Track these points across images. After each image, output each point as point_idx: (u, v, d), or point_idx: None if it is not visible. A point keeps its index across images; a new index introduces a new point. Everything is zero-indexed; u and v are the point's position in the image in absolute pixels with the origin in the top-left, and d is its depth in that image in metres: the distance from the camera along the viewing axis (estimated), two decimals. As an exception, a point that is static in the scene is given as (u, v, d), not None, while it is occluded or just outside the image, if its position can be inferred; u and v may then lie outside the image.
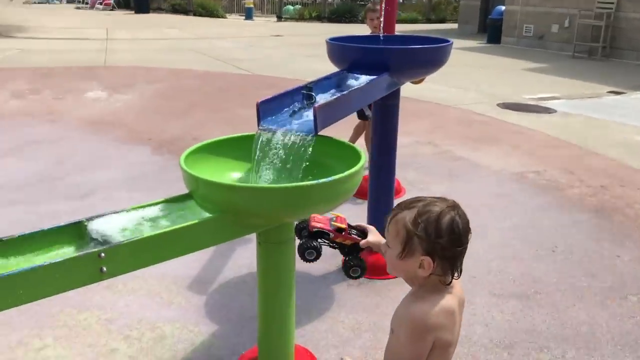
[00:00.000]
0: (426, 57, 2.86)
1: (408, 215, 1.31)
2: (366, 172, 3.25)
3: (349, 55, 2.82)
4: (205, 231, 1.79)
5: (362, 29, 4.94)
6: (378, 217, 2.81)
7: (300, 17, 22.35)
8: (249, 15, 22.62)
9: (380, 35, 3.26)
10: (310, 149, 1.96)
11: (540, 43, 14.06)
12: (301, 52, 12.32)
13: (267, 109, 2.13)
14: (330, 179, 1.77)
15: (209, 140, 2.13)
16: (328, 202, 1.86)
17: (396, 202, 1.56)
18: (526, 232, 3.75)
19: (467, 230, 1.32)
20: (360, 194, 3.30)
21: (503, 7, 15.16)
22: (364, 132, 4.70)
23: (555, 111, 7.31)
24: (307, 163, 1.95)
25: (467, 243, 1.33)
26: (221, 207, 1.80)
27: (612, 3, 12.21)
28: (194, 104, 7.17)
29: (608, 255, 3.44)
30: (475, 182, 4.66)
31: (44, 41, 13.31)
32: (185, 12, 23.12)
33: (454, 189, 4.48)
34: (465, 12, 18.45)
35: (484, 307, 2.87)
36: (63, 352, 2.46)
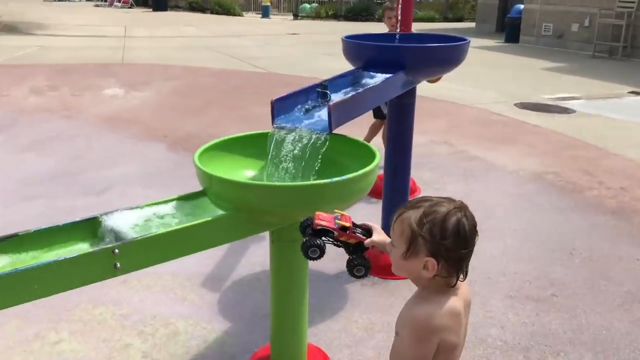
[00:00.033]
0: (443, 55, 2.83)
1: (414, 215, 1.28)
2: (381, 172, 3.24)
3: (364, 53, 2.80)
4: (218, 229, 1.79)
5: (379, 28, 4.91)
6: (392, 216, 2.78)
7: (316, 16, 22.34)
8: (265, 13, 22.67)
9: (396, 33, 3.24)
10: (325, 147, 1.94)
11: (560, 42, 13.87)
12: (317, 50, 12.31)
13: (282, 107, 2.13)
14: (344, 177, 1.76)
15: (223, 138, 2.13)
16: (342, 201, 1.85)
17: (411, 201, 1.54)
18: (543, 233, 3.69)
19: (473, 232, 1.29)
20: (375, 193, 3.28)
21: (522, 6, 14.99)
22: (381, 131, 4.68)
23: (574, 111, 7.21)
24: (321, 161, 1.94)
25: (474, 245, 1.30)
26: (234, 204, 1.80)
27: (634, 2, 12.00)
28: (209, 101, 7.20)
29: (627, 259, 3.38)
30: (492, 183, 4.61)
31: (63, 38, 13.47)
32: (203, 10, 23.24)
33: (469, 189, 4.44)
34: (483, 10, 18.28)
35: (499, 309, 2.83)
36: (78, 346, 2.49)
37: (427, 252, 1.26)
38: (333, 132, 1.99)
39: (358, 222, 1.52)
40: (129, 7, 25.26)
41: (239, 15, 22.92)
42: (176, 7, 24.41)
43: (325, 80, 2.38)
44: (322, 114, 2.14)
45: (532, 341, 2.59)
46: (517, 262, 3.31)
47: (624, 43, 12.09)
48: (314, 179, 1.93)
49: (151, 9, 23.66)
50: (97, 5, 26.08)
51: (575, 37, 13.54)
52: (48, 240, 1.70)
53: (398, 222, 1.32)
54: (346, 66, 2.82)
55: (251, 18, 22.55)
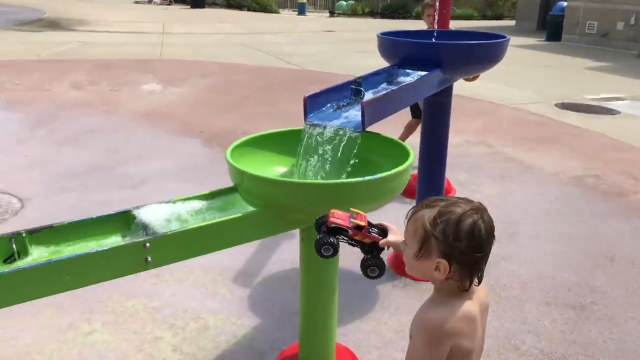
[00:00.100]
0: (481, 53, 2.76)
1: (428, 214, 1.25)
2: (415, 171, 3.18)
3: (400, 50, 2.75)
4: (248, 225, 1.78)
5: (415, 25, 4.84)
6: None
7: (352, 13, 22.26)
8: (301, 10, 22.74)
9: (433, 30, 3.17)
10: (357, 145, 1.91)
11: (604, 41, 13.44)
12: (353, 47, 12.25)
13: (315, 104, 2.10)
14: (376, 176, 1.73)
15: (256, 134, 2.12)
16: (374, 200, 1.82)
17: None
18: (583, 238, 3.57)
19: (490, 236, 1.24)
20: (408, 193, 3.22)
21: (565, 3, 14.59)
22: (417, 130, 4.60)
23: (618, 112, 6.96)
24: (354, 159, 1.91)
25: (489, 250, 1.25)
26: (265, 201, 1.78)
27: (684, -1, 11.54)
28: (244, 98, 7.24)
29: (672, 267, 3.24)
30: (529, 185, 4.48)
31: (104, 34, 13.78)
32: (240, 7, 23.46)
33: (506, 191, 4.33)
34: (523, 8, 17.87)
35: (535, 315, 2.75)
36: (110, 337, 2.52)
37: (440, 254, 1.22)
38: (366, 129, 1.96)
39: (375, 222, 1.49)
40: (167, 4, 25.69)
41: (275, 12, 23.04)
42: (214, 4, 24.70)
43: (359, 77, 2.35)
44: (355, 111, 2.11)
45: (569, 350, 2.50)
46: (555, 268, 3.21)
47: (672, 42, 11.64)
48: (346, 177, 1.90)
49: (189, 6, 23.99)
50: (137, 2, 26.60)
51: (620, 36, 13.10)
52: (82, 232, 1.73)
53: (412, 220, 1.29)
54: (381, 63, 2.78)
55: (287, 15, 22.63)
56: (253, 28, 16.42)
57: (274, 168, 2.11)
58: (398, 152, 1.93)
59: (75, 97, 7.04)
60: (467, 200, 1.27)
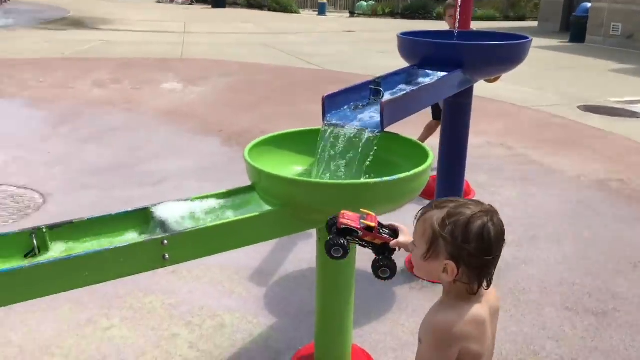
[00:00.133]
0: (503, 53, 2.73)
1: (437, 215, 1.23)
2: (434, 173, 3.16)
3: (420, 50, 2.74)
4: (265, 224, 1.78)
5: (436, 26, 4.81)
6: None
7: (373, 13, 22.21)
8: (322, 10, 22.75)
9: (454, 30, 3.15)
10: (376, 145, 1.90)
11: (629, 43, 13.19)
12: (373, 48, 12.22)
13: (333, 104, 2.10)
14: (394, 177, 1.71)
15: (274, 134, 2.12)
16: (392, 202, 1.81)
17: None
18: (605, 243, 3.50)
19: (499, 239, 1.22)
20: (427, 195, 3.20)
21: (589, 4, 14.36)
22: (437, 132, 4.57)
23: (642, 115, 6.84)
24: (372, 160, 1.90)
25: (499, 254, 1.23)
26: (282, 200, 1.78)
27: None
28: (264, 97, 7.26)
29: (697, 274, 3.16)
30: (551, 188, 4.42)
31: (126, 33, 13.95)
32: (260, 7, 23.56)
33: (527, 193, 4.27)
34: (546, 9, 17.64)
35: (555, 320, 2.70)
36: (128, 333, 2.55)
37: (448, 255, 1.21)
38: (385, 130, 1.94)
39: (385, 223, 1.48)
40: (189, 4, 25.92)
41: (296, 12, 23.09)
42: (234, 4, 24.85)
43: (379, 77, 2.34)
44: (374, 111, 2.10)
45: (590, 357, 2.45)
46: (576, 273, 3.15)
47: (701, 44, 11.38)
48: (364, 178, 1.89)
49: (210, 6, 24.17)
50: (159, 2, 26.89)
51: (646, 38, 12.85)
52: (101, 228, 1.75)
53: (421, 221, 1.28)
54: (401, 64, 2.76)
55: (307, 15, 22.66)
56: (274, 28, 16.48)
57: (292, 167, 2.11)
58: (417, 153, 1.91)
59: (98, 95, 7.14)
60: (478, 203, 1.26)
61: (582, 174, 4.71)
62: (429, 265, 1.25)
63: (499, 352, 2.43)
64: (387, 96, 2.23)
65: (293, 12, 22.88)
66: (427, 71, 2.59)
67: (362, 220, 1.44)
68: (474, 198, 3.97)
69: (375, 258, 1.48)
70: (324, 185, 1.81)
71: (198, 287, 2.94)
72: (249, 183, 1.92)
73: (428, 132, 4.67)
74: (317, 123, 2.12)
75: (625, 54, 12.30)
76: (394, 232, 1.47)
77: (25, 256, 1.59)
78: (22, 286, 1.44)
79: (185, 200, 1.84)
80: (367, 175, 1.90)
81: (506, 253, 3.31)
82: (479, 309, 1.24)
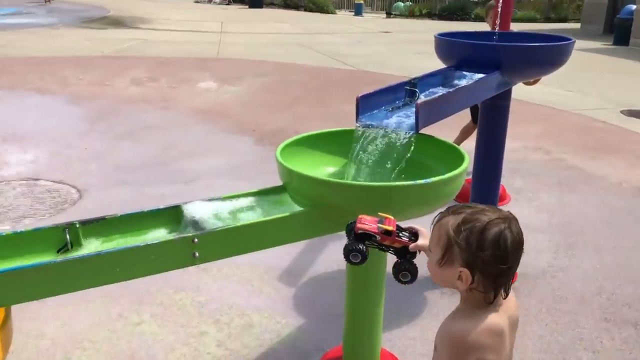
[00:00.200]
0: (543, 56, 2.65)
1: (452, 221, 1.20)
2: (469, 176, 3.09)
3: (457, 52, 2.68)
4: (295, 225, 1.76)
5: (474, 27, 4.72)
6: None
7: (410, 14, 22.04)
8: (358, 11, 22.70)
9: (493, 31, 3.07)
10: (410, 147, 1.86)
11: (676, 46, 12.73)
12: (409, 49, 12.11)
13: (367, 104, 2.06)
14: (429, 180, 1.67)
15: (306, 134, 2.10)
16: (425, 205, 1.77)
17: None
18: (647, 253, 3.37)
19: (517, 248, 1.18)
20: (462, 198, 3.13)
21: (634, 7, 13.91)
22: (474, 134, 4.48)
23: (689, 121, 6.57)
24: (406, 162, 1.86)
25: (516, 263, 1.19)
26: (313, 201, 1.76)
27: None
28: (298, 98, 7.27)
29: None
30: (590, 194, 4.28)
31: (164, 32, 14.19)
32: (297, 7, 23.66)
33: (565, 200, 4.14)
34: (589, 10, 17.16)
35: (592, 331, 2.61)
36: (157, 329, 2.57)
37: (462, 262, 1.18)
38: (420, 132, 1.90)
39: (403, 226, 1.45)
40: (226, 4, 26.24)
41: (332, 12, 23.10)
42: (271, 4, 25.03)
43: (415, 78, 2.29)
44: (409, 112, 2.06)
45: (629, 371, 2.36)
46: (616, 282, 3.04)
47: None
48: (397, 180, 1.85)
49: (247, 6, 24.40)
50: (197, 2, 27.29)
51: (695, 41, 12.37)
52: (133, 225, 1.76)
53: (437, 227, 1.24)
54: (438, 65, 2.71)
55: (344, 16, 22.64)
56: (310, 28, 16.51)
57: (324, 168, 2.08)
58: (452, 156, 1.87)
59: (135, 93, 7.27)
60: (496, 209, 1.22)
61: (624, 180, 4.54)
62: (444, 272, 1.22)
63: (533, 363, 2.35)
64: (422, 97, 2.19)
65: (329, 13, 22.90)
66: (465, 73, 2.53)
67: (379, 224, 1.42)
68: (510, 203, 3.88)
69: (397, 261, 1.45)
70: (355, 187, 1.78)
71: (227, 285, 2.94)
72: (280, 183, 1.91)
73: (464, 134, 4.59)
74: (351, 124, 2.10)
75: (672, 57, 11.87)
76: (414, 234, 1.45)
77: (58, 251, 1.61)
78: (54, 281, 1.46)
79: (217, 198, 1.84)
80: (401, 178, 1.86)
81: (542, 260, 3.24)
82: (496, 319, 1.20)
